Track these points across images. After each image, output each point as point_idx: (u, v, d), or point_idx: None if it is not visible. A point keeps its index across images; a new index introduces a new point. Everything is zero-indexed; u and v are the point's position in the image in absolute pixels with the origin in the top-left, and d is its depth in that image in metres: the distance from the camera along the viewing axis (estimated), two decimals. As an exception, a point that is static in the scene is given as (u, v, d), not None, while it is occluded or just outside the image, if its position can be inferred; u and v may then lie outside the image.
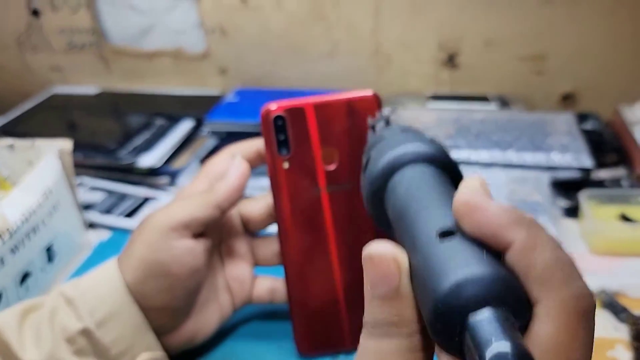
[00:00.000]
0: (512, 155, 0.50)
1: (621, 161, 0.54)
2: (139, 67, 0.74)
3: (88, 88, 0.75)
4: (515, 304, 0.15)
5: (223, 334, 0.37)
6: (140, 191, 0.57)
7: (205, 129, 0.64)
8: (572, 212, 0.48)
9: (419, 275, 0.17)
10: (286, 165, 0.33)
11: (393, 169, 0.22)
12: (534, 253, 0.16)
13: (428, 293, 0.16)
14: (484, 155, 0.51)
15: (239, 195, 0.33)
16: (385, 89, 0.67)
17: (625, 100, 0.59)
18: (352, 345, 0.35)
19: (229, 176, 0.33)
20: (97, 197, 0.56)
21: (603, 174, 0.52)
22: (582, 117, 0.59)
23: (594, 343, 0.16)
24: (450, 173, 0.22)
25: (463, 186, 0.18)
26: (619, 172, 0.52)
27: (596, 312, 0.35)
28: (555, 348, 0.15)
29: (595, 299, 0.16)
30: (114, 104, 0.71)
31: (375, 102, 0.33)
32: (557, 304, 0.15)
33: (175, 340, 0.34)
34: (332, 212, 0.33)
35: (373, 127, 0.29)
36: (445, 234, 0.17)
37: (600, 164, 0.52)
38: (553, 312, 0.15)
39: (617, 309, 0.39)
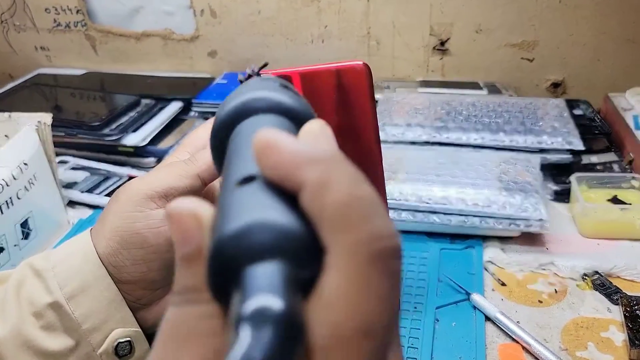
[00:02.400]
0: (502, 138, 0.50)
1: (611, 146, 0.54)
2: (126, 49, 0.73)
3: (74, 69, 0.74)
4: (300, 254, 0.13)
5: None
6: (124, 171, 0.55)
7: (194, 110, 0.63)
8: (563, 195, 0.48)
9: (212, 228, 0.14)
10: None
11: (232, 119, 0.18)
12: (326, 193, 0.13)
13: (209, 245, 0.13)
14: (474, 137, 0.50)
15: None
16: (375, 74, 0.65)
17: (612, 89, 0.59)
18: None
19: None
20: (79, 175, 0.54)
21: (594, 158, 0.52)
22: (572, 103, 0.58)
23: (399, 293, 0.13)
24: (304, 124, 0.18)
25: (301, 132, 0.16)
26: (609, 156, 0.52)
27: (588, 294, 0.34)
28: (342, 302, 0.12)
29: (399, 239, 0.13)
30: (100, 85, 0.70)
31: (365, 73, 0.32)
32: (345, 249, 0.13)
33: (153, 316, 0.32)
34: None
35: (241, 82, 0.24)
36: (245, 181, 0.15)
37: (591, 149, 0.52)
38: (341, 259, 0.13)
39: (610, 290, 0.38)
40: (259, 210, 0.13)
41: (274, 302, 0.11)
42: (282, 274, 0.12)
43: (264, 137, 0.14)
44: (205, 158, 0.31)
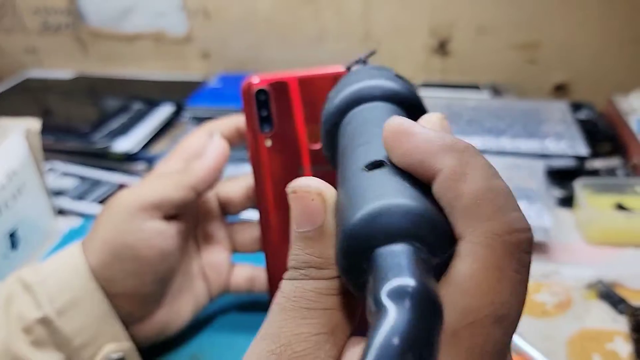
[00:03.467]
0: (505, 142, 0.48)
1: (615, 150, 0.53)
2: (118, 50, 0.71)
3: (64, 72, 0.72)
4: (433, 239, 0.13)
5: (199, 325, 0.35)
6: (115, 177, 0.54)
7: (186, 115, 0.62)
8: (567, 201, 0.47)
9: (339, 210, 0.15)
10: (269, 143, 0.30)
11: (347, 105, 0.19)
12: (462, 182, 0.14)
13: (341, 227, 0.14)
14: (476, 141, 0.49)
15: (217, 176, 0.31)
16: (375, 77, 0.65)
17: (617, 91, 0.58)
18: None
19: (206, 155, 0.31)
20: (68, 183, 0.53)
21: (598, 163, 0.51)
22: (576, 107, 0.57)
23: (527, 286, 0.14)
24: (417, 113, 0.19)
25: (421, 122, 0.16)
26: (613, 161, 0.51)
27: (594, 303, 0.33)
28: (476, 289, 0.13)
29: (532, 233, 0.14)
30: (91, 88, 0.68)
31: None
32: (482, 239, 0.13)
33: (145, 331, 0.31)
34: None
35: (348, 69, 0.25)
36: (373, 166, 0.15)
37: (595, 153, 0.51)
38: (477, 248, 0.13)
39: (615, 300, 0.37)
40: (392, 193, 0.13)
41: (411, 282, 0.12)
42: (416, 256, 0.13)
43: (397, 123, 0.15)
44: (200, 168, 0.30)
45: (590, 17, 0.59)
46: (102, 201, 0.50)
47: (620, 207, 0.44)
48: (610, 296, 0.38)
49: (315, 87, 0.30)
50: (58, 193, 0.51)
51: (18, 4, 0.71)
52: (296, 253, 0.16)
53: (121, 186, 0.52)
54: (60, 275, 0.28)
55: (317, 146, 0.31)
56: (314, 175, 0.30)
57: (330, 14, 0.64)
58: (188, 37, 0.69)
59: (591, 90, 0.62)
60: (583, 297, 0.38)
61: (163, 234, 0.29)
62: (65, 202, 0.50)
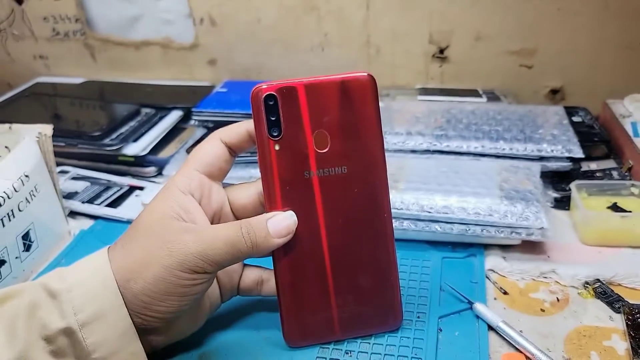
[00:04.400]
0: (502, 146, 0.50)
1: (610, 153, 0.54)
2: (125, 57, 0.73)
3: (73, 78, 0.74)
4: None
5: (207, 325, 0.36)
6: (125, 180, 0.55)
7: (194, 119, 0.63)
8: (564, 203, 0.48)
9: None
10: (277, 147, 0.31)
11: None
12: None
13: None
14: (474, 145, 0.50)
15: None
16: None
17: (612, 96, 0.60)
18: (342, 334, 0.34)
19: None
20: (79, 186, 0.54)
21: (593, 165, 0.52)
22: (571, 110, 0.59)
23: None
24: None
25: None
26: (608, 164, 0.52)
27: (590, 302, 0.36)
28: None
29: None
30: (100, 94, 0.70)
31: (370, 84, 0.31)
32: None
33: (162, 339, 0.32)
34: (323, 198, 0.32)
35: None
36: None
37: (590, 156, 0.52)
38: None
39: (612, 298, 0.38)
40: None
41: None
42: None
43: None
44: (261, 228, 0.31)
45: (585, 24, 0.60)
46: (112, 203, 0.51)
47: (616, 208, 0.46)
48: (607, 294, 0.39)
49: (322, 93, 0.31)
50: (69, 196, 0.52)
51: (28, 12, 0.72)
52: None
53: (131, 188, 0.54)
54: (87, 286, 0.28)
55: (324, 150, 0.32)
56: (321, 179, 0.32)
57: (332, 21, 0.65)
58: (195, 45, 0.70)
59: (586, 94, 0.63)
60: (580, 296, 0.39)
61: (200, 285, 0.30)
62: (76, 205, 0.51)
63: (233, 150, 0.34)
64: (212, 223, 0.33)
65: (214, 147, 0.33)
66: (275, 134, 0.31)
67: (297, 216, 0.32)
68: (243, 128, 0.33)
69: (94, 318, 0.28)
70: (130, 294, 0.29)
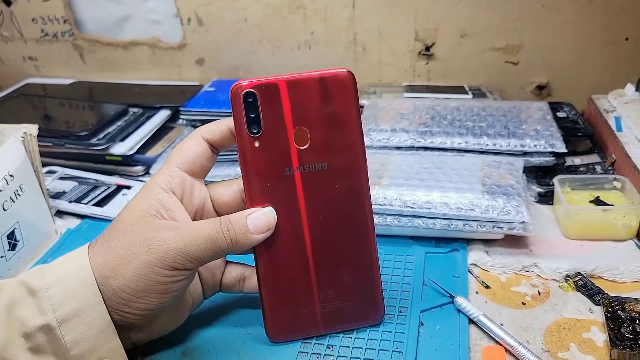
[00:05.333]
0: (486, 141, 0.50)
1: (595, 148, 0.54)
2: (114, 57, 0.73)
3: (62, 79, 0.74)
4: None
5: (189, 321, 0.36)
6: (112, 179, 0.55)
7: (182, 118, 0.63)
8: (547, 197, 0.49)
9: None
10: (257, 144, 0.31)
11: None
12: None
13: None
14: (458, 141, 0.50)
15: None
16: (362, 80, 0.67)
17: (597, 91, 0.60)
18: (324, 329, 0.35)
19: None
20: (67, 185, 0.54)
21: (577, 160, 0.52)
22: (556, 106, 0.59)
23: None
24: None
25: None
26: (592, 158, 0.53)
27: (571, 295, 0.37)
28: None
29: None
30: (89, 94, 0.70)
31: (350, 80, 0.31)
32: None
33: (142, 335, 0.32)
34: (304, 194, 0.32)
35: None
36: None
37: (575, 150, 0.53)
38: None
39: (592, 291, 0.39)
40: None
41: None
42: None
43: None
44: (241, 224, 0.31)
45: (569, 20, 0.61)
46: (98, 203, 0.52)
47: (598, 202, 0.46)
48: (588, 287, 0.39)
49: (302, 89, 0.31)
50: (57, 195, 0.52)
51: (17, 13, 0.73)
52: None
53: (118, 187, 0.54)
54: (66, 284, 0.28)
55: (305, 146, 0.32)
56: (301, 175, 0.32)
57: (318, 20, 0.66)
58: (182, 44, 0.71)
59: (572, 90, 0.64)
60: (561, 289, 0.40)
61: (180, 282, 0.30)
62: (63, 204, 0.51)
63: (215, 148, 0.34)
64: (193, 220, 0.33)
65: (195, 144, 0.33)
66: (255, 131, 0.31)
67: (277, 212, 0.32)
68: (224, 125, 0.33)
69: (72, 315, 0.28)
70: (109, 291, 0.29)
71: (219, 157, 0.36)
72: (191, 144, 0.33)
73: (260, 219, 0.31)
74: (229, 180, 0.35)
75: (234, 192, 0.34)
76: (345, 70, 0.31)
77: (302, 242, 0.33)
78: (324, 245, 0.33)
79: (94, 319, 0.28)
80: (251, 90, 0.31)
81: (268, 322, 0.34)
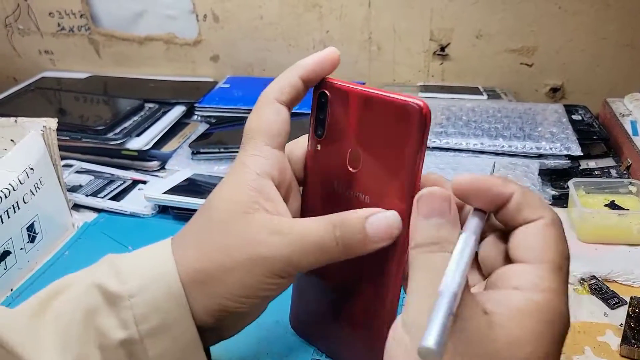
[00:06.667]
0: (501, 143, 0.50)
1: (609, 152, 0.54)
2: (130, 53, 0.74)
3: (78, 73, 0.74)
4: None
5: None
6: (128, 174, 0.56)
7: (197, 114, 0.64)
8: (561, 200, 0.49)
9: None
10: (319, 147, 0.29)
11: None
12: (537, 204, 0.23)
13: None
14: (473, 142, 0.51)
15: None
16: (376, 79, 0.67)
17: (612, 94, 0.60)
18: (327, 350, 0.33)
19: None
20: (84, 179, 0.55)
21: (592, 163, 0.52)
22: (571, 109, 0.59)
23: None
24: None
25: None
26: (607, 162, 0.52)
27: (586, 298, 0.35)
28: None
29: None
30: (104, 89, 0.70)
31: (416, 115, 0.24)
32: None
33: (215, 338, 0.29)
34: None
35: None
36: None
37: (589, 154, 0.53)
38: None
39: (607, 295, 0.39)
40: None
41: None
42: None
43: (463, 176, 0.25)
44: (358, 228, 0.25)
45: (585, 23, 0.61)
46: (115, 197, 0.52)
47: (613, 206, 0.46)
48: (603, 291, 0.39)
49: (372, 108, 0.26)
50: (73, 189, 0.53)
51: (34, 7, 0.73)
52: (427, 234, 0.23)
53: (134, 182, 0.55)
54: (151, 294, 0.25)
55: (355, 170, 0.27)
56: (344, 197, 0.28)
57: (333, 19, 0.66)
58: (198, 41, 0.71)
59: (587, 93, 0.63)
60: (576, 292, 0.40)
61: (283, 288, 0.26)
62: (80, 198, 0.52)
63: (290, 108, 0.28)
64: (284, 198, 0.28)
65: (274, 112, 0.27)
66: (319, 133, 0.29)
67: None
68: (293, 77, 0.27)
69: (157, 330, 0.25)
70: (204, 298, 0.25)
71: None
72: (270, 114, 0.27)
73: (382, 223, 0.25)
74: (296, 142, 0.30)
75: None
76: (416, 104, 0.24)
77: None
78: (351, 277, 0.29)
79: (181, 333, 0.25)
80: (326, 92, 0.28)
81: (292, 314, 0.34)
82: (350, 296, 0.30)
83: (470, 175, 0.24)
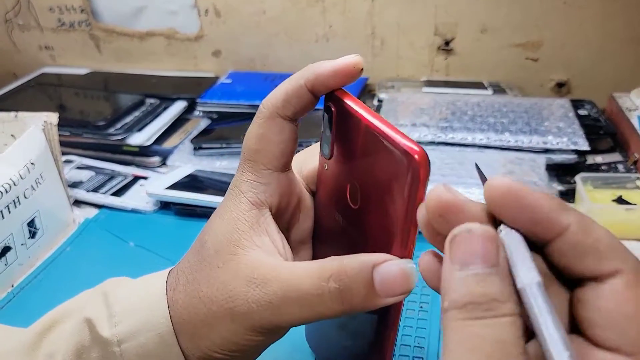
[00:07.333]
0: (508, 138, 0.50)
1: (616, 147, 0.54)
2: (130, 48, 0.73)
3: (78, 69, 0.74)
4: None
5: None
6: (129, 170, 0.55)
7: (198, 110, 0.63)
8: (568, 195, 0.48)
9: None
10: (326, 167, 0.25)
11: None
12: (594, 230, 0.17)
13: None
14: (479, 137, 0.50)
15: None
16: (380, 74, 0.66)
17: (618, 89, 0.59)
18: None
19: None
20: (85, 175, 0.54)
21: (599, 158, 0.52)
22: (577, 103, 0.59)
23: None
24: None
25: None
26: (614, 157, 0.52)
27: None
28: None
29: None
30: (104, 84, 0.70)
31: (406, 165, 0.20)
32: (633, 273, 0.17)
33: None
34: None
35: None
36: None
37: (596, 149, 0.52)
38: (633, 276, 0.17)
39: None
40: None
41: None
42: None
43: (504, 183, 0.18)
44: (362, 281, 0.21)
45: (591, 17, 0.60)
46: (116, 193, 0.52)
47: (621, 201, 0.45)
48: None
49: (373, 143, 0.21)
50: (74, 185, 0.53)
51: (34, 2, 0.72)
52: (468, 291, 0.16)
53: (135, 178, 0.54)
54: (143, 341, 0.24)
55: (355, 206, 0.23)
56: (342, 233, 0.24)
57: (336, 13, 0.65)
58: (199, 36, 0.70)
59: (592, 87, 0.63)
60: (583, 288, 0.39)
61: (275, 339, 0.24)
62: (81, 194, 0.51)
63: (295, 121, 0.24)
64: (289, 222, 0.26)
65: (277, 131, 0.24)
66: (325, 152, 0.25)
67: (323, 242, 0.25)
68: (298, 85, 0.23)
69: None
70: (193, 348, 0.24)
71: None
72: (271, 133, 0.23)
73: (395, 276, 0.20)
74: (311, 152, 0.27)
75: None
76: (411, 151, 0.20)
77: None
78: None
79: None
80: (330, 106, 0.24)
81: (307, 327, 0.33)
82: (351, 327, 0.27)
83: (509, 182, 0.17)
